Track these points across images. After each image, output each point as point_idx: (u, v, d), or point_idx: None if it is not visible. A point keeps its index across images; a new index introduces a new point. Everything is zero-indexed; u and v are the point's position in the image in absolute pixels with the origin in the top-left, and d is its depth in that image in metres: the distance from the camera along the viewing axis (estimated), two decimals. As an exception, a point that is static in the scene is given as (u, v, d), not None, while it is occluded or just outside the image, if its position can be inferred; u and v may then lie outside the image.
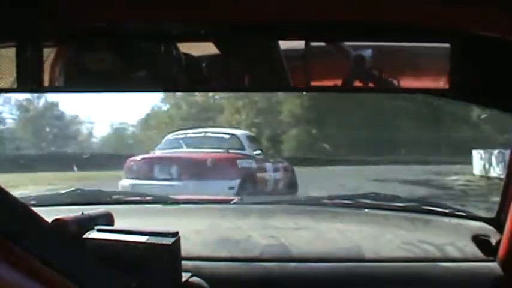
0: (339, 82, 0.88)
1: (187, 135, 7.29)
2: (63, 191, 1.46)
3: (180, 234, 0.73)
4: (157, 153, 7.11)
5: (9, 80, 0.84)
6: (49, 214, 0.67)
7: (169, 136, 7.59)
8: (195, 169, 6.28)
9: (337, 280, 0.99)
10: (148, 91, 0.99)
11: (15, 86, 0.84)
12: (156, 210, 1.34)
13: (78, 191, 1.46)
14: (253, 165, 6.90)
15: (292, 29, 0.80)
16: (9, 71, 0.83)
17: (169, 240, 0.71)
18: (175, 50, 0.85)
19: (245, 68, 0.89)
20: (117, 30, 0.81)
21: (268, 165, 7.26)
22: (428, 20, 0.76)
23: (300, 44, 0.80)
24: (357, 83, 0.85)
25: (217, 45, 0.85)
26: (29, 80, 0.84)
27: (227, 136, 7.17)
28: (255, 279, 0.97)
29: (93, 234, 0.72)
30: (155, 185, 6.02)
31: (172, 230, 0.73)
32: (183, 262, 0.74)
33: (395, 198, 1.40)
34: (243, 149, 7.02)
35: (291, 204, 1.42)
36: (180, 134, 7.42)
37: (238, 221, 1.21)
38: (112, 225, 0.80)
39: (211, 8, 0.78)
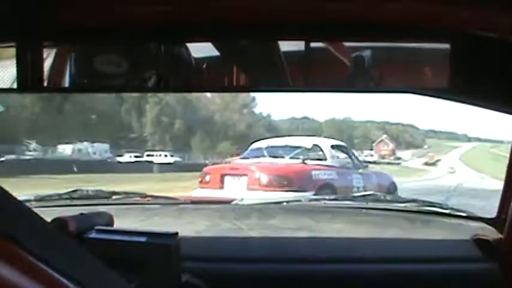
0: (338, 82, 0.88)
1: (270, 145, 7.10)
2: (62, 191, 1.46)
3: (179, 234, 0.73)
4: (236, 162, 7.04)
5: (9, 80, 0.84)
6: (49, 214, 0.67)
7: (254, 145, 7.41)
8: (265, 181, 5.94)
9: (336, 280, 0.99)
10: (148, 91, 0.99)
11: (15, 86, 0.84)
12: (156, 211, 1.34)
13: (78, 191, 1.46)
14: (334, 176, 6.35)
15: (292, 29, 0.80)
16: (9, 71, 0.83)
17: (169, 241, 0.71)
18: (175, 50, 0.85)
19: (245, 68, 0.89)
20: (117, 31, 0.81)
21: (357, 176, 6.66)
22: (428, 20, 0.76)
23: (300, 44, 0.80)
24: (357, 83, 0.85)
25: (217, 45, 0.85)
26: (29, 80, 0.84)
27: (309, 146, 6.84)
28: (255, 279, 0.97)
29: (92, 235, 0.72)
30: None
31: (172, 230, 0.73)
32: (183, 262, 0.74)
33: (395, 198, 1.40)
34: (323, 159, 6.60)
35: (291, 204, 1.42)
36: (263, 143, 7.27)
37: (238, 221, 1.21)
38: (112, 225, 0.80)
39: (211, 8, 0.78)
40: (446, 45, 0.79)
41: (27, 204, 0.53)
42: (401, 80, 0.86)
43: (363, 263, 1.01)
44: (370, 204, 1.37)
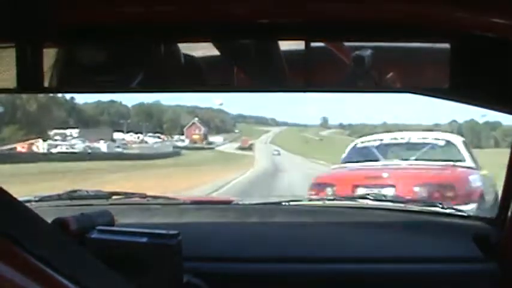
0: (338, 82, 0.88)
1: (383, 143, 5.36)
2: (62, 192, 1.46)
3: (180, 234, 0.73)
4: (348, 167, 5.16)
5: (9, 80, 0.84)
6: (49, 214, 0.67)
7: (358, 144, 5.60)
8: (422, 192, 4.22)
9: (336, 280, 0.99)
10: (148, 91, 0.99)
11: (15, 86, 0.84)
12: (157, 211, 1.34)
13: (78, 192, 1.46)
14: (481, 181, 4.69)
15: (292, 29, 0.80)
16: (9, 71, 0.83)
17: (170, 241, 0.71)
18: (175, 49, 0.85)
19: (245, 68, 0.89)
20: (117, 31, 0.81)
21: (478, 178, 4.87)
22: (428, 20, 0.76)
23: (300, 44, 0.80)
24: (357, 83, 0.85)
25: (217, 45, 0.85)
26: (28, 80, 0.84)
27: (441, 143, 5.08)
28: (255, 279, 0.97)
29: (94, 235, 0.72)
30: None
31: (173, 230, 0.73)
32: (184, 262, 0.75)
33: (396, 198, 1.40)
34: (462, 160, 4.85)
35: (291, 204, 1.42)
36: (372, 141, 5.49)
37: (239, 221, 1.21)
38: (113, 225, 0.80)
39: (211, 8, 0.78)
40: (446, 45, 0.79)
41: (27, 204, 0.53)
42: (401, 80, 0.86)
43: (363, 263, 1.01)
44: (370, 204, 1.37)
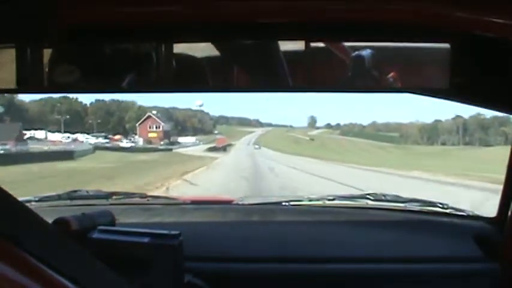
0: (338, 82, 0.88)
1: None
2: (62, 192, 1.45)
3: (181, 235, 0.73)
4: None
5: (9, 80, 0.84)
6: (49, 214, 0.67)
7: None
8: None
9: (336, 280, 0.99)
10: (148, 91, 0.99)
11: (15, 86, 0.84)
12: (157, 211, 1.34)
13: (78, 192, 1.46)
14: None
15: (292, 29, 0.80)
16: (9, 71, 0.83)
17: (172, 241, 0.71)
18: (176, 50, 0.85)
19: (245, 68, 0.89)
20: (117, 31, 0.81)
21: None
22: (428, 20, 0.76)
23: (300, 44, 0.80)
24: (357, 83, 0.85)
25: (216, 45, 0.85)
26: (28, 80, 0.84)
27: None
28: (255, 279, 0.98)
29: (95, 235, 0.72)
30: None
31: (174, 231, 0.73)
32: (184, 262, 0.75)
33: (396, 198, 1.40)
34: None
35: (291, 204, 1.42)
36: None
37: (239, 221, 1.21)
38: (114, 224, 0.80)
39: (210, 8, 0.78)
40: (446, 45, 0.79)
41: (27, 204, 0.53)
42: (401, 80, 0.86)
43: (363, 263, 1.01)
44: (370, 204, 1.37)
